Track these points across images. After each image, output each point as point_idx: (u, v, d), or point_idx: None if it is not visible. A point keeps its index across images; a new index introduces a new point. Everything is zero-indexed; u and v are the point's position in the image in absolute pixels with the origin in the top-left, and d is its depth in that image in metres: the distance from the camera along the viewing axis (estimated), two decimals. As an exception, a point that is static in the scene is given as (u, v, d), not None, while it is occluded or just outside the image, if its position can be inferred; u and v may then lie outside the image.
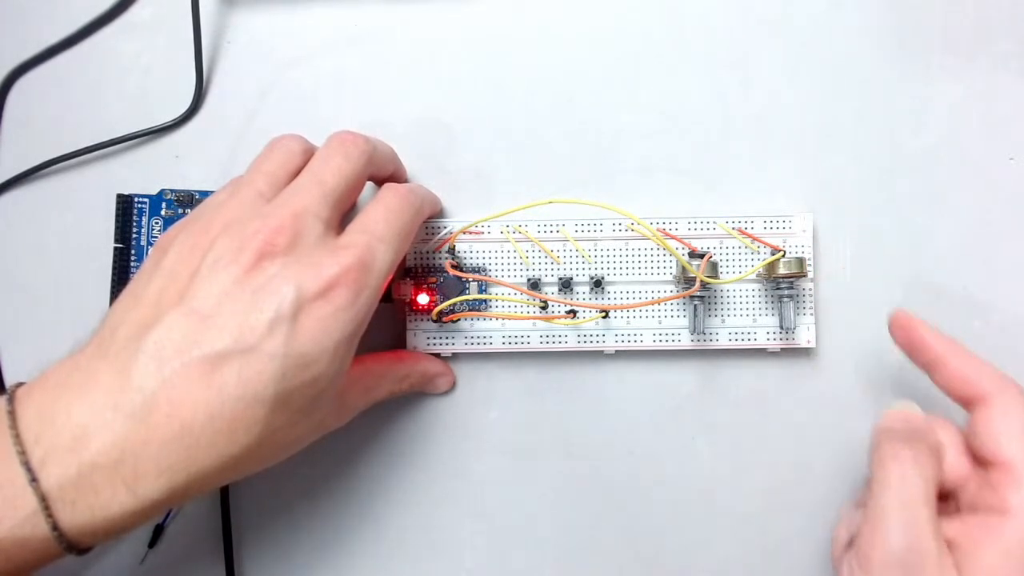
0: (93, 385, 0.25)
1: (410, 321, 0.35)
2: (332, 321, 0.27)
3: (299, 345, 0.26)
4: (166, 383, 0.25)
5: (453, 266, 0.34)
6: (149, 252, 0.31)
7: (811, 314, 0.34)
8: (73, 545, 0.25)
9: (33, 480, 0.24)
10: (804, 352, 0.35)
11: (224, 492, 0.35)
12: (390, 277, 0.30)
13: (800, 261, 0.33)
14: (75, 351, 0.27)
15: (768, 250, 0.34)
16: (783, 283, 0.34)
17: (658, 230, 0.34)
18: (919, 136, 0.35)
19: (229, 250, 0.27)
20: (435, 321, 0.34)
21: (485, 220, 0.34)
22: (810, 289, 0.35)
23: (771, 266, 0.33)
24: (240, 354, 0.25)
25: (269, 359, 0.26)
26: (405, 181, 0.35)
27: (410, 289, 0.35)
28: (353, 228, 0.29)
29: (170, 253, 0.28)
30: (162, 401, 0.25)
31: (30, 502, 0.24)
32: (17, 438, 0.25)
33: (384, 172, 0.33)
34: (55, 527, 0.25)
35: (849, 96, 0.36)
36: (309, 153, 0.31)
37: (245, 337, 0.26)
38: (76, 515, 0.25)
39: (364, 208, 0.30)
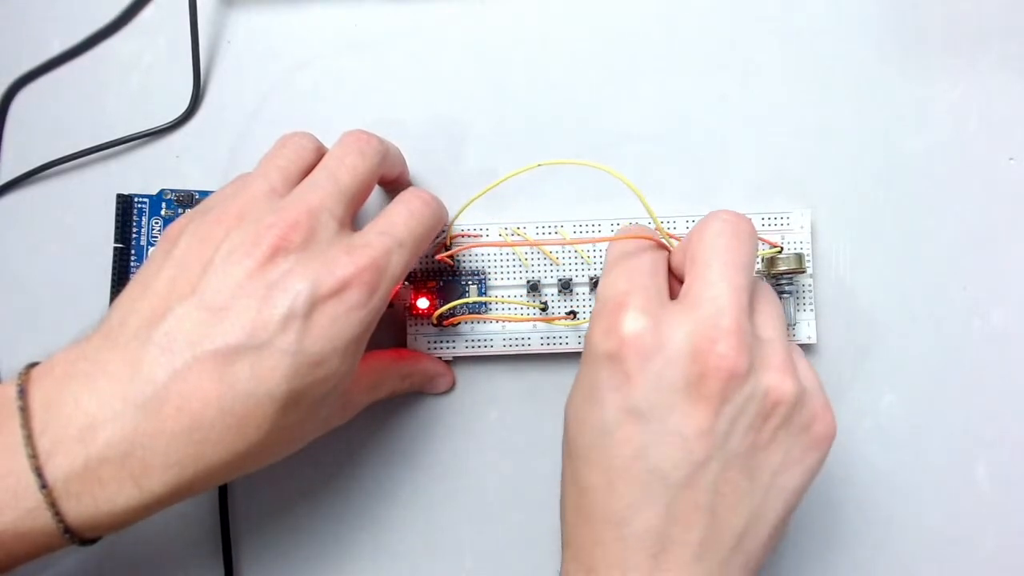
0: (102, 375, 0.25)
1: (410, 325, 0.35)
2: (344, 320, 0.26)
3: (311, 343, 0.26)
4: (177, 375, 0.25)
5: (450, 259, 0.34)
6: (157, 241, 0.31)
7: (811, 310, 0.34)
8: (75, 538, 0.25)
9: (39, 472, 0.24)
10: (805, 348, 0.35)
11: (223, 492, 0.35)
12: (400, 282, 0.30)
13: (799, 257, 0.33)
14: (80, 340, 0.26)
15: (767, 247, 0.34)
16: (782, 279, 0.34)
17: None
18: (919, 136, 0.35)
19: (243, 243, 0.26)
20: (435, 325, 0.34)
21: (475, 199, 0.33)
22: (809, 285, 0.34)
23: (770, 262, 0.33)
24: (253, 350, 0.25)
25: (281, 356, 0.25)
26: (408, 182, 0.35)
27: (409, 293, 0.34)
28: (373, 228, 0.29)
29: (180, 243, 0.27)
30: (173, 394, 0.25)
31: (34, 495, 0.24)
32: (26, 427, 0.24)
33: (393, 173, 0.33)
34: (59, 520, 0.24)
35: (849, 96, 0.36)
36: (320, 151, 0.31)
37: (258, 333, 0.25)
38: (80, 508, 0.24)
39: (387, 208, 0.30)
